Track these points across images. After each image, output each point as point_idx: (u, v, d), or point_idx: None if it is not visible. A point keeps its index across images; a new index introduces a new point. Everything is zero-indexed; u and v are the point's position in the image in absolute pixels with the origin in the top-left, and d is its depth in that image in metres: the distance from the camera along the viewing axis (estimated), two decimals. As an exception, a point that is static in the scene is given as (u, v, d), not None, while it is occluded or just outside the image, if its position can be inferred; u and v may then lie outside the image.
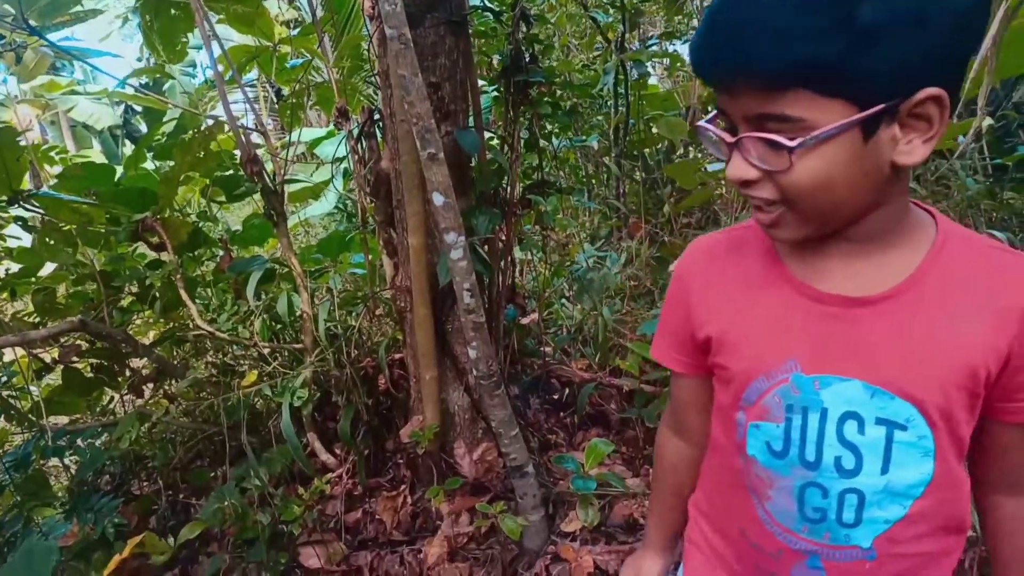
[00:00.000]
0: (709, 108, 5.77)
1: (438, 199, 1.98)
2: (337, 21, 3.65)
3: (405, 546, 2.42)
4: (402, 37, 1.84)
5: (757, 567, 0.99)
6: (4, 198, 2.62)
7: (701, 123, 0.82)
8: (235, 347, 2.72)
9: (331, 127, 6.87)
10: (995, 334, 0.79)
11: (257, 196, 3.04)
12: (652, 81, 5.35)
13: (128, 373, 2.83)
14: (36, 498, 2.02)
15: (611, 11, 4.14)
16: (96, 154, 10.57)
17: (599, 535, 2.26)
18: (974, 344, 0.79)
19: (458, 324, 2.57)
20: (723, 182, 3.20)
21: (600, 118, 4.69)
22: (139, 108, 17.23)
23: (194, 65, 13.28)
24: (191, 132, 2.21)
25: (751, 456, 0.94)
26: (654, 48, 4.69)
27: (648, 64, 4.29)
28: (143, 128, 17.43)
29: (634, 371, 2.62)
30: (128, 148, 15.80)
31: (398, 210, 2.55)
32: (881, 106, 0.68)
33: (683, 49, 5.01)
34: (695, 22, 5.24)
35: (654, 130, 4.90)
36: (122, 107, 15.85)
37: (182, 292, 2.27)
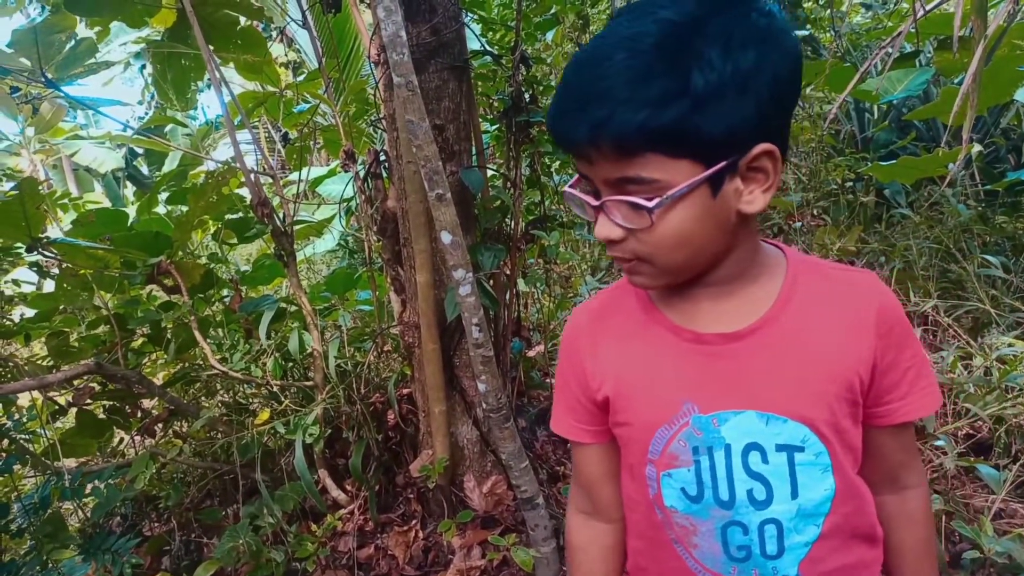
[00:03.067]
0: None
1: (446, 237, 2.04)
2: (340, 63, 3.75)
3: (418, 581, 2.43)
4: (409, 84, 1.92)
5: None
6: (22, 245, 2.70)
7: (567, 189, 0.88)
8: (246, 386, 2.76)
9: (332, 166, 6.99)
10: (858, 343, 0.87)
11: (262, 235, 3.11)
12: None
13: (140, 414, 2.86)
14: (54, 540, 2.04)
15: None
16: (100, 196, 10.69)
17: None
18: (844, 356, 0.86)
19: (466, 359, 2.62)
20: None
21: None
22: (140, 151, 17.44)
23: (195, 107, 13.51)
24: (204, 177, 2.28)
25: (669, 507, 0.95)
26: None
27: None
28: (145, 170, 17.61)
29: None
30: (130, 190, 15.94)
31: (405, 248, 2.61)
32: (723, 163, 0.75)
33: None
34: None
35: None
36: (123, 150, 16.03)
37: (196, 333, 2.32)
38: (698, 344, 0.91)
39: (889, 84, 4.39)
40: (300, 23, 2.68)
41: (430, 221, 2.43)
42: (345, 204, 6.27)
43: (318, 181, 6.41)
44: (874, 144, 4.12)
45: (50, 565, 2.06)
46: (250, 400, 2.80)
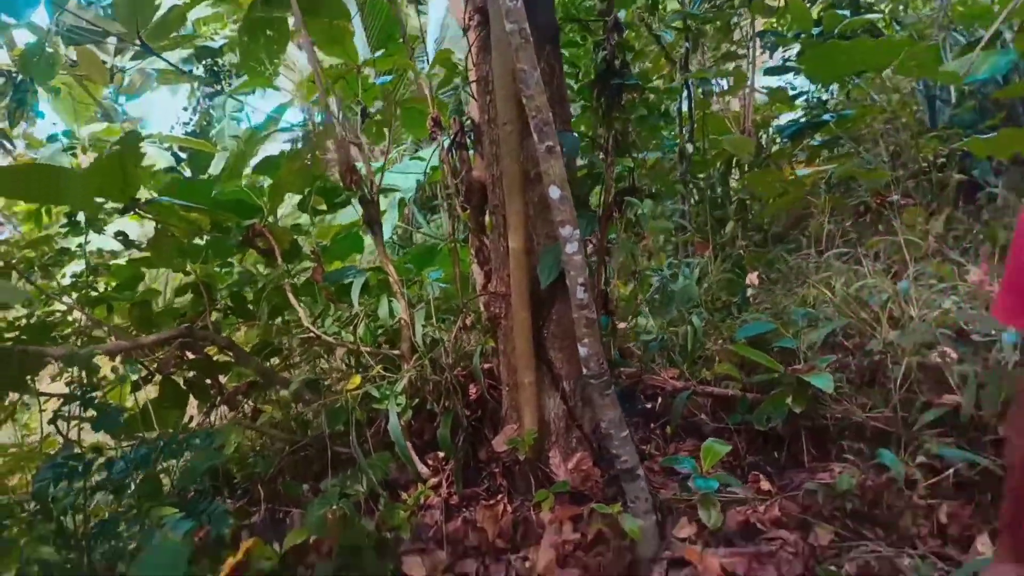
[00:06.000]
0: (771, 124, 5.77)
1: (554, 192, 1.98)
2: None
3: (510, 554, 2.36)
4: (523, 32, 1.87)
5: None
6: (106, 216, 2.70)
7: None
8: (326, 358, 2.73)
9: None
10: None
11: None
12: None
13: (218, 388, 2.85)
14: (152, 499, 2.02)
15: (673, 30, 4.17)
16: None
17: (717, 540, 2.19)
18: None
19: (555, 329, 2.55)
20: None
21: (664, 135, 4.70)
22: (183, 155, 17.73)
23: (242, 108, 13.63)
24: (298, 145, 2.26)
25: None
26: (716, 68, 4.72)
27: (713, 82, 4.32)
28: (187, 173, 17.92)
29: (735, 375, 2.57)
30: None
31: (493, 216, 2.56)
32: None
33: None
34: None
35: (711, 152, 4.92)
36: (168, 151, 16.27)
37: (290, 296, 2.29)
38: None
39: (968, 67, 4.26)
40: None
41: (525, 184, 2.38)
42: (397, 195, 6.27)
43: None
44: (956, 126, 3.98)
45: (147, 524, 2.03)
46: (329, 373, 2.76)
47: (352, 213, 5.03)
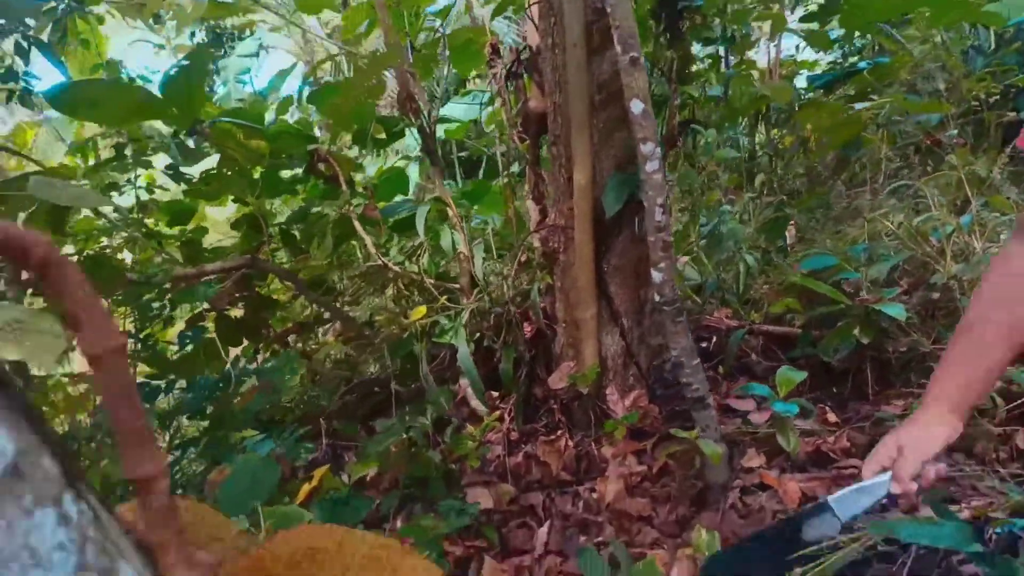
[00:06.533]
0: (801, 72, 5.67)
1: (637, 107, 1.92)
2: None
3: (576, 486, 2.35)
4: (609, -63, 1.80)
5: None
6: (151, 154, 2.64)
7: None
8: (380, 295, 2.70)
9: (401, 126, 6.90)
10: None
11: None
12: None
13: (268, 328, 2.81)
14: (227, 424, 2.00)
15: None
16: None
17: (790, 468, 2.17)
18: None
19: (616, 262, 2.52)
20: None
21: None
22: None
23: (248, 71, 13.43)
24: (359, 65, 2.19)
25: None
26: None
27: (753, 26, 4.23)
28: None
29: (798, 308, 2.54)
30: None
31: (554, 147, 2.50)
32: None
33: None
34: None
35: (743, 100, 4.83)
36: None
37: (356, 223, 2.24)
38: None
39: (1012, 10, 4.19)
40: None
41: (592, 111, 2.33)
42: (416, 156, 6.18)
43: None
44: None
45: (227, 444, 2.01)
46: (382, 309, 2.73)
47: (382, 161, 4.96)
